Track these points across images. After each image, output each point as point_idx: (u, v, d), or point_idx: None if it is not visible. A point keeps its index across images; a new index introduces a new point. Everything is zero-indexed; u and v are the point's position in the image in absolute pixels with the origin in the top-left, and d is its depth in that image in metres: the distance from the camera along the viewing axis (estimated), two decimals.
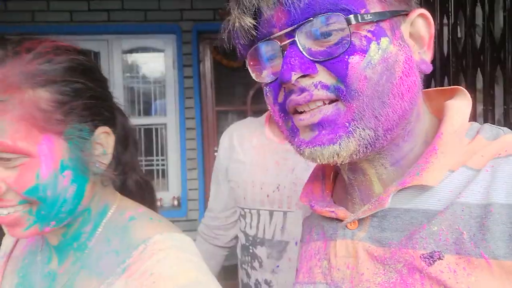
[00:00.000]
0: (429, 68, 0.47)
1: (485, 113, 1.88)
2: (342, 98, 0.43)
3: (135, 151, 0.74)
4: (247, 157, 1.08)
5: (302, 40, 0.43)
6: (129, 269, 0.57)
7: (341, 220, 0.50)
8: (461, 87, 0.49)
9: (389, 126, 0.44)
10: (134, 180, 0.73)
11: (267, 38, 0.45)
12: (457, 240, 0.40)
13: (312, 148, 0.44)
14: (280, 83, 0.45)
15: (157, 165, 3.29)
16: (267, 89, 0.48)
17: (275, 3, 0.43)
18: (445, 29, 1.94)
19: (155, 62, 3.26)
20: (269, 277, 0.95)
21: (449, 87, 0.51)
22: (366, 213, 0.47)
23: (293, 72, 0.42)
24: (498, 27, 1.64)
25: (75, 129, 0.57)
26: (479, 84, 1.80)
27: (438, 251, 0.40)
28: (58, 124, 0.55)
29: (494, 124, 0.48)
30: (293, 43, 0.43)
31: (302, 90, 0.43)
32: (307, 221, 0.62)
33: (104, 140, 0.61)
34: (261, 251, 1.02)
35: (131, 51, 3.23)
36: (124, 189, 0.70)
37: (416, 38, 0.47)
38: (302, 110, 0.45)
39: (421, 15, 0.47)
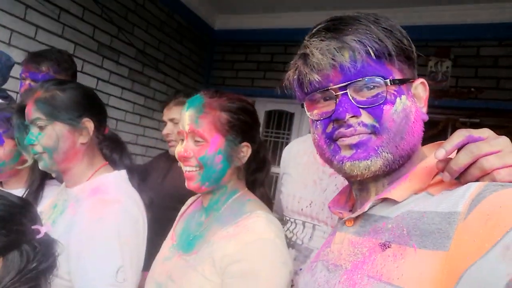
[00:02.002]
0: (426, 118, 0.66)
1: None
2: (376, 132, 0.62)
3: (266, 174, 1.14)
4: (295, 171, 1.27)
5: (351, 92, 0.62)
6: (238, 223, 0.95)
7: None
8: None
9: (402, 154, 0.63)
10: (261, 192, 1.10)
11: (326, 88, 0.63)
12: (400, 235, 0.57)
13: (352, 162, 0.63)
14: (332, 119, 0.63)
15: None
16: (317, 123, 0.67)
17: (334, 66, 0.62)
18: None
19: None
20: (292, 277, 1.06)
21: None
22: (354, 215, 0.67)
23: (347, 113, 0.61)
24: None
25: (231, 136, 1.00)
26: None
27: (388, 241, 0.58)
28: (225, 131, 0.99)
29: None
30: (345, 94, 0.62)
31: (349, 126, 0.62)
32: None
33: (245, 149, 1.03)
34: (290, 253, 1.15)
35: None
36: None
37: (418, 97, 0.66)
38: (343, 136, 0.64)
39: (421, 82, 0.66)
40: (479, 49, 2.93)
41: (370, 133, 0.62)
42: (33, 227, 0.92)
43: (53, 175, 1.36)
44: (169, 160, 2.01)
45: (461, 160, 0.56)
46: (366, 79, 0.61)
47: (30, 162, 1.18)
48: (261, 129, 1.12)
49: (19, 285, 0.83)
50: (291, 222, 1.22)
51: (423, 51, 3.05)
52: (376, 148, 0.62)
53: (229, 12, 3.76)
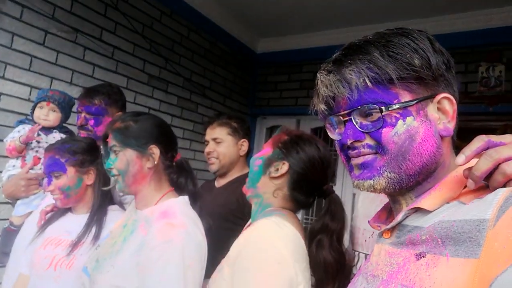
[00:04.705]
0: (449, 133, 0.66)
1: None
2: (379, 152, 0.66)
3: (330, 221, 1.11)
4: (362, 206, 1.30)
5: (356, 117, 0.67)
6: (252, 225, 1.04)
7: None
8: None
9: (410, 173, 0.65)
10: (322, 256, 1.05)
11: (336, 114, 0.70)
12: (435, 245, 0.58)
13: (358, 181, 0.68)
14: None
15: None
16: (336, 142, 0.72)
17: (339, 95, 0.67)
18: None
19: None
20: None
21: None
22: (389, 226, 0.69)
23: (348, 139, 0.67)
24: None
25: (277, 151, 1.13)
26: None
27: (424, 252, 0.59)
28: (276, 146, 1.15)
29: None
30: (350, 119, 0.67)
31: (354, 148, 0.68)
32: None
33: (283, 167, 1.12)
34: None
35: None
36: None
37: (443, 111, 0.66)
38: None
39: (445, 97, 0.66)
40: None
41: (375, 153, 0.66)
42: None
43: (118, 198, 1.50)
44: (207, 184, 2.12)
45: (481, 166, 0.57)
46: (364, 107, 0.65)
47: (113, 184, 1.34)
48: None
49: None
50: (356, 256, 1.26)
51: (472, 57, 2.93)
52: (379, 168, 0.66)
53: (269, 35, 3.88)
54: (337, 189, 3.45)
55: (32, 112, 1.74)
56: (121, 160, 1.20)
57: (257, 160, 1.13)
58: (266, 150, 1.15)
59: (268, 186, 1.13)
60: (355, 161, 0.68)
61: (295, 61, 3.84)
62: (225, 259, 1.03)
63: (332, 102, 0.69)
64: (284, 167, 1.12)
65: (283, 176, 1.12)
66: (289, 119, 3.73)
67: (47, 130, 1.74)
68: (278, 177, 1.12)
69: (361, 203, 1.30)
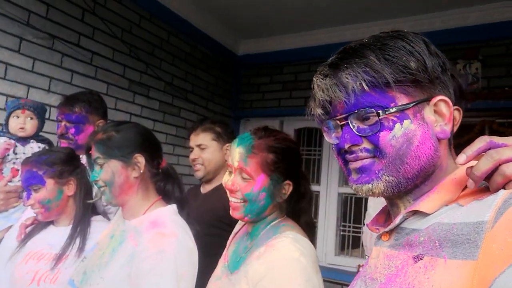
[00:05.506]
0: (446, 136, 0.66)
1: None
2: (377, 156, 0.65)
3: (309, 203, 1.23)
4: (372, 210, 1.32)
5: (353, 121, 0.66)
6: (268, 243, 1.06)
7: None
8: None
9: (408, 176, 0.65)
10: (305, 220, 1.19)
11: (333, 118, 0.69)
12: (433, 247, 0.58)
13: (357, 185, 0.67)
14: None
15: None
16: (333, 146, 0.72)
17: (336, 99, 0.67)
18: None
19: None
20: None
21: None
22: (387, 229, 0.69)
23: (345, 143, 0.67)
24: None
25: (276, 176, 1.10)
26: None
27: (421, 254, 0.59)
28: (270, 171, 1.10)
29: None
30: (347, 123, 0.67)
31: (352, 152, 0.67)
32: None
33: (287, 187, 1.13)
34: None
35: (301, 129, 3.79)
36: (298, 224, 1.17)
37: (440, 114, 0.66)
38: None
39: (442, 100, 0.65)
40: (508, 47, 2.84)
41: (373, 157, 0.66)
42: None
43: (102, 208, 1.47)
44: (193, 190, 2.10)
45: (481, 166, 0.57)
46: (361, 111, 0.65)
47: (98, 196, 1.31)
48: None
49: None
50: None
51: (450, 54, 3.00)
52: (377, 172, 0.65)
53: (250, 37, 3.87)
54: (322, 189, 3.47)
55: (7, 124, 1.69)
56: (106, 171, 1.18)
57: (260, 194, 1.08)
58: (261, 179, 1.08)
59: (276, 207, 1.15)
60: (353, 165, 0.68)
61: (276, 63, 3.84)
62: (241, 277, 1.04)
63: (329, 106, 0.68)
64: (289, 187, 1.14)
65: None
66: (273, 120, 3.73)
67: (24, 140, 1.69)
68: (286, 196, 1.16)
69: (373, 208, 1.31)
